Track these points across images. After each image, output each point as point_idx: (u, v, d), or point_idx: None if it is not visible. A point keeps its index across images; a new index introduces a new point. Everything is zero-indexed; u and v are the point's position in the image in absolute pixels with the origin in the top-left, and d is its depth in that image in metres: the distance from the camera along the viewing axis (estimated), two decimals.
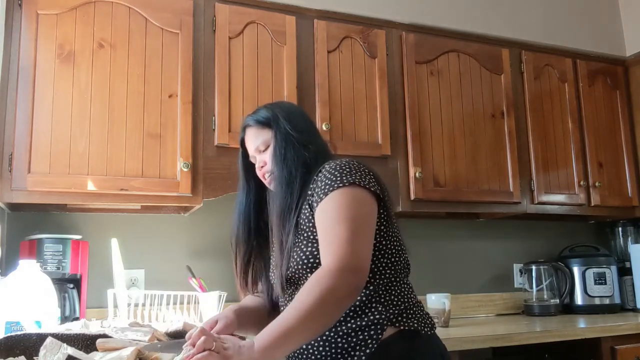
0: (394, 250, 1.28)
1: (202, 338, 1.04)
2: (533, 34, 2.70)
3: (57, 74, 1.85)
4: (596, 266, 2.74)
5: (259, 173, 1.42)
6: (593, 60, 2.83)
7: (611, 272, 2.74)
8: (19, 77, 1.81)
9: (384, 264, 1.25)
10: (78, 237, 1.99)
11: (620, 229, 3.01)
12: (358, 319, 1.20)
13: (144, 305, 1.90)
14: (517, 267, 2.87)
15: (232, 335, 1.25)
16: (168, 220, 2.28)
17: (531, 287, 2.74)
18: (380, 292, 1.23)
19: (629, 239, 2.97)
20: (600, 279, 2.72)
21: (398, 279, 1.27)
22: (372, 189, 1.24)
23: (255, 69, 2.12)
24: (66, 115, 1.84)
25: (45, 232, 1.95)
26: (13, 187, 1.76)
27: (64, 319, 1.79)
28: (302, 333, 1.09)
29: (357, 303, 1.20)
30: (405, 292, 1.27)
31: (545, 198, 2.57)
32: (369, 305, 1.21)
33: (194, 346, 1.04)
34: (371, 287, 1.22)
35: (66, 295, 1.83)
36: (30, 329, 1.41)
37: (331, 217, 1.19)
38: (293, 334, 1.08)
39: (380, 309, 1.20)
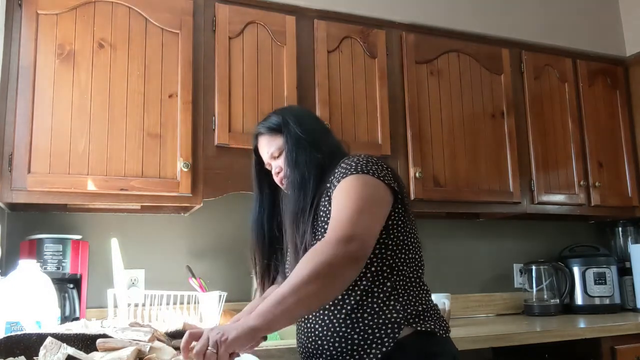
0: (411, 247, 1.28)
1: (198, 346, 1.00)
2: (533, 34, 2.70)
3: (57, 74, 1.85)
4: (596, 266, 2.74)
5: (276, 179, 1.43)
6: (593, 60, 2.83)
7: (611, 272, 2.74)
8: (19, 77, 1.81)
9: (402, 260, 1.25)
10: (78, 237, 1.99)
11: (620, 229, 3.01)
12: (375, 316, 1.19)
13: (144, 305, 1.90)
14: (517, 267, 2.87)
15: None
16: (168, 220, 2.28)
17: (531, 287, 2.74)
18: (399, 289, 1.23)
19: (629, 239, 2.97)
20: (600, 279, 2.72)
21: (415, 278, 1.28)
22: (387, 182, 1.23)
23: (255, 69, 2.12)
24: (66, 115, 1.84)
25: (45, 232, 1.95)
26: (13, 187, 1.76)
27: (64, 319, 1.79)
28: (296, 300, 1.05)
29: (375, 300, 1.20)
30: (423, 294, 1.28)
31: (545, 198, 2.57)
32: (387, 303, 1.20)
33: (186, 351, 1.01)
34: (389, 284, 1.22)
35: (66, 295, 1.83)
36: (30, 329, 1.40)
37: (340, 197, 1.20)
38: (287, 301, 1.04)
39: (398, 307, 1.20)
